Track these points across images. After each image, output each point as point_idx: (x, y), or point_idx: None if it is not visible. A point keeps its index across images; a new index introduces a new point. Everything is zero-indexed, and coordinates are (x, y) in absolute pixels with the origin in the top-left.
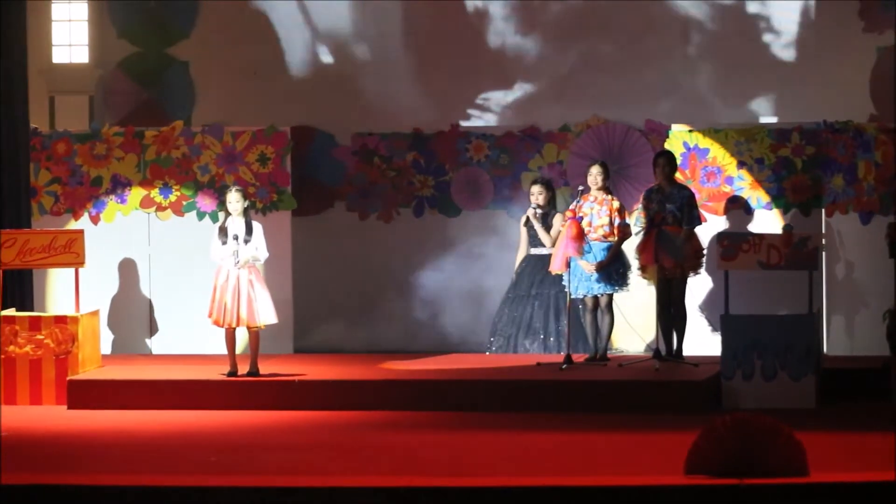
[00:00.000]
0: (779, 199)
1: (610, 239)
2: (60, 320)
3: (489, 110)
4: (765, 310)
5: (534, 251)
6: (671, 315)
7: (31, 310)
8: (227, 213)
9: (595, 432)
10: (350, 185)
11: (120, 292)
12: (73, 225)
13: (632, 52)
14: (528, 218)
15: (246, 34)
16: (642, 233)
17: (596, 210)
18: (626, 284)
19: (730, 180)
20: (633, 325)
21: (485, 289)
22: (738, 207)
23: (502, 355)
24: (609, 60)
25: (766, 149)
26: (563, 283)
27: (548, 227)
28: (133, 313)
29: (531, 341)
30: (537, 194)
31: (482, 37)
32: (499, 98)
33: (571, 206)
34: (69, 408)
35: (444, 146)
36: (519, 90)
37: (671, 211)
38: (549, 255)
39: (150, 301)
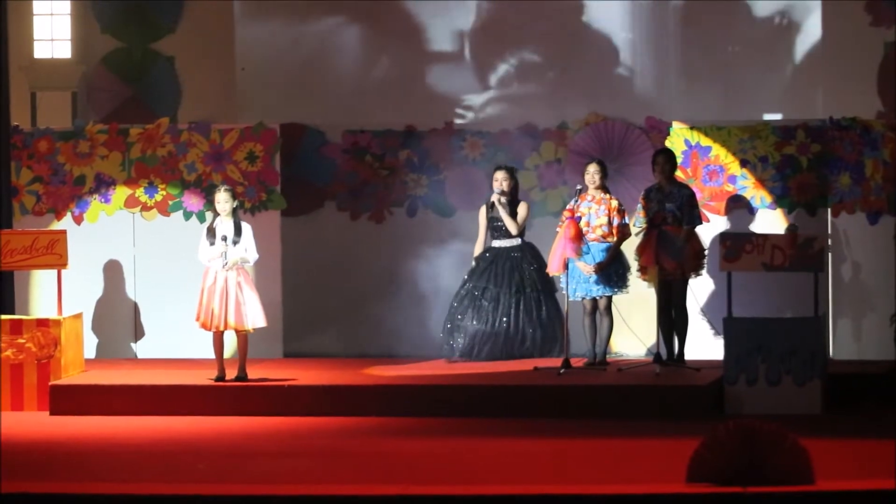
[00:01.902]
0: (783, 199)
1: (609, 239)
2: (42, 323)
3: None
4: (769, 313)
5: (497, 243)
6: (672, 318)
7: (13, 313)
8: (216, 214)
9: (594, 439)
10: (341, 184)
11: (104, 295)
12: (55, 225)
13: (633, 48)
14: (493, 204)
15: (233, 28)
16: (642, 233)
17: (594, 210)
18: (626, 286)
19: (732, 179)
20: (632, 328)
21: None
22: (740, 207)
23: (496, 363)
24: (609, 56)
25: (770, 147)
26: (561, 284)
27: (512, 215)
28: (118, 316)
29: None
30: (501, 180)
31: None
32: (494, 95)
33: (569, 206)
34: (51, 414)
35: (438, 144)
36: (516, 86)
37: (671, 210)
38: (516, 247)
39: (135, 304)
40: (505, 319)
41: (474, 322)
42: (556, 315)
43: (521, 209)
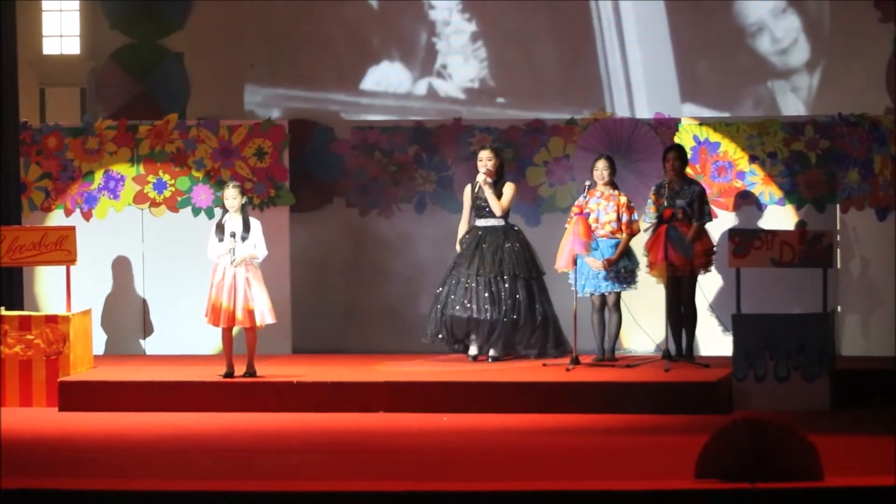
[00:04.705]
0: (792, 195)
1: (617, 235)
2: (51, 320)
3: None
4: (777, 309)
5: (481, 222)
6: (681, 314)
7: (21, 309)
8: (225, 210)
9: (602, 435)
10: (350, 180)
11: (113, 291)
12: (64, 221)
13: (640, 44)
14: (479, 185)
15: (241, 24)
16: (651, 229)
17: (603, 206)
18: (635, 282)
19: (741, 175)
20: (641, 324)
21: None
22: (749, 203)
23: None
24: (616, 52)
25: (778, 143)
26: (570, 281)
27: (498, 195)
28: (126, 313)
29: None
30: (486, 160)
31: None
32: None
33: (578, 202)
34: (60, 410)
35: (446, 140)
36: (524, 82)
37: (681, 206)
38: (499, 228)
39: (143, 300)
40: (488, 307)
41: (472, 314)
42: (543, 300)
43: (508, 189)
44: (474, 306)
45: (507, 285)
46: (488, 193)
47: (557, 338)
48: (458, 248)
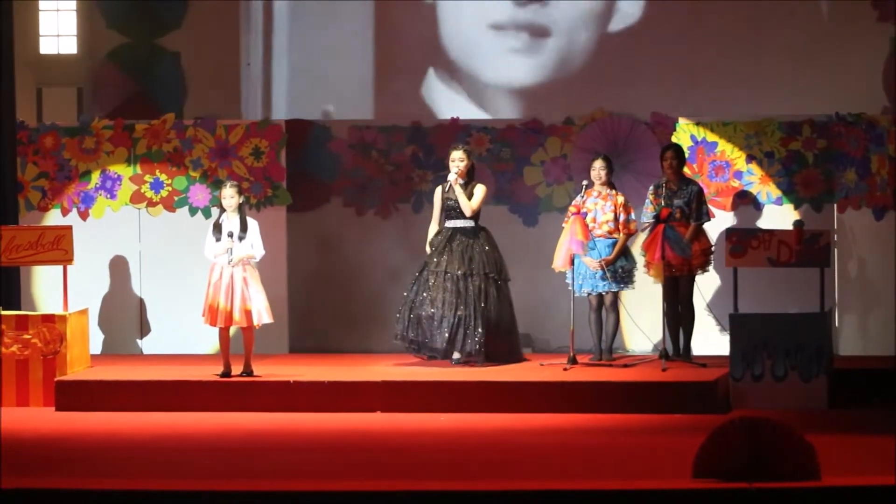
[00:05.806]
0: (789, 194)
1: (615, 235)
2: (48, 319)
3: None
4: (775, 308)
5: (451, 223)
6: (678, 313)
7: (18, 308)
8: (222, 209)
9: (599, 435)
10: (347, 180)
11: (110, 290)
12: (61, 221)
13: (638, 42)
14: (450, 185)
15: (238, 24)
16: (648, 229)
17: (600, 206)
18: (632, 282)
19: (739, 175)
20: (638, 324)
21: None
22: (746, 203)
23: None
24: (614, 51)
25: (776, 142)
26: (567, 280)
27: (468, 196)
28: (124, 312)
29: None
30: (458, 161)
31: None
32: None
33: (575, 202)
34: (57, 409)
35: (443, 140)
36: (522, 82)
37: (679, 206)
38: (469, 228)
39: (140, 299)
40: (456, 306)
41: (440, 313)
42: (505, 303)
43: (478, 191)
44: (442, 305)
45: (476, 284)
46: (459, 193)
47: (517, 346)
48: (427, 249)
